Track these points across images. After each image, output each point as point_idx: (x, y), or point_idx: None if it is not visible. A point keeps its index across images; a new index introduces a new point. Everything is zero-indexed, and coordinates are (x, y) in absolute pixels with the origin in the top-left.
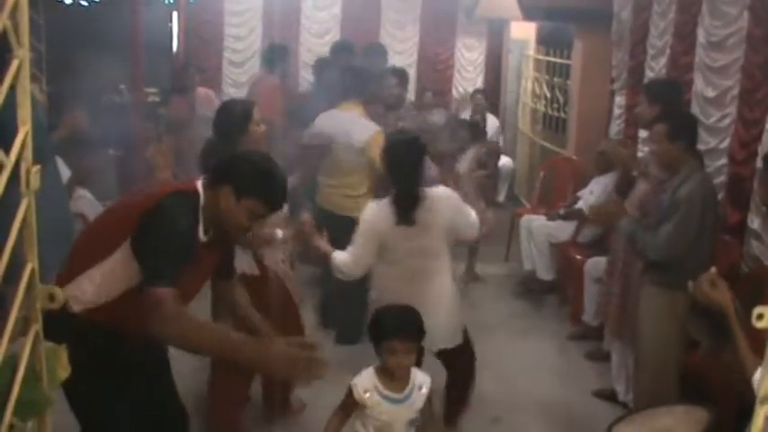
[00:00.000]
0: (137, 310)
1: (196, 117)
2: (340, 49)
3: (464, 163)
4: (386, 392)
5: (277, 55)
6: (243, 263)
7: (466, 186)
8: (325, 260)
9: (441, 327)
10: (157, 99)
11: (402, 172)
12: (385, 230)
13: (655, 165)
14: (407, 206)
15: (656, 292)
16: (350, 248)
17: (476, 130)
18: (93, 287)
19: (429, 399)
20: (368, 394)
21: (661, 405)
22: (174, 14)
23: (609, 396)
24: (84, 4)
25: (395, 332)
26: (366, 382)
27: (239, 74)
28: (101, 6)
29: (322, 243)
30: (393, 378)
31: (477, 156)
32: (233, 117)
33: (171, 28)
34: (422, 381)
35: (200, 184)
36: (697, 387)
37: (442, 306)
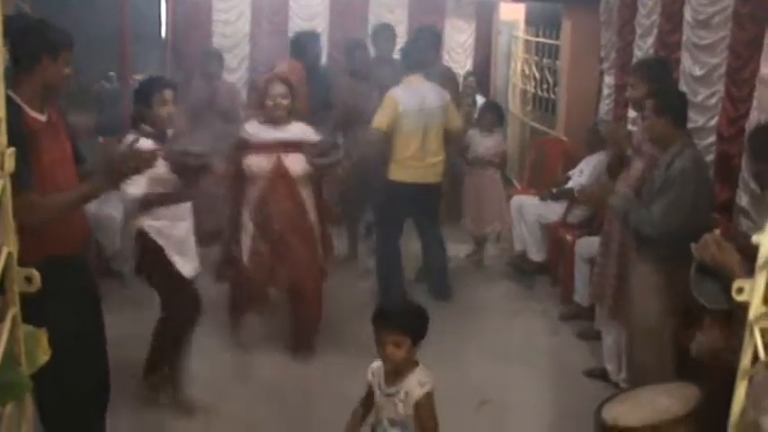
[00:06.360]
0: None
1: (216, 108)
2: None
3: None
4: (380, 381)
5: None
6: None
7: None
8: None
9: None
10: None
11: None
12: None
13: (647, 142)
14: None
15: (650, 269)
16: None
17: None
18: None
19: (423, 415)
20: (371, 377)
21: (655, 382)
22: (163, 0)
23: (600, 375)
24: None
25: (375, 321)
26: (375, 367)
27: (229, 58)
28: None
29: None
30: (388, 369)
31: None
32: None
33: (160, 14)
34: (410, 386)
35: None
36: (692, 363)
37: None
